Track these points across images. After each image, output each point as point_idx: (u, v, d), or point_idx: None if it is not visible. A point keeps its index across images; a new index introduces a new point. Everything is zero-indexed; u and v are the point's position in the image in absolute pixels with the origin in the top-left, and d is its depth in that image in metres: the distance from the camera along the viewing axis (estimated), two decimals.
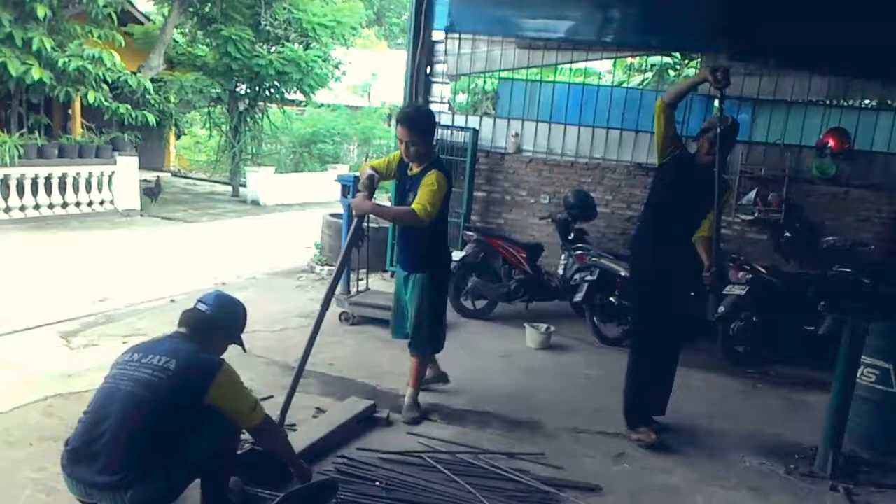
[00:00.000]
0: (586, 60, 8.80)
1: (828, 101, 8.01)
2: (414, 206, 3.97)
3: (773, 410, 5.30)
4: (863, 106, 8.11)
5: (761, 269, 6.41)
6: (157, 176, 15.27)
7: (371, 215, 4.37)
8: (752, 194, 7.66)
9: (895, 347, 4.48)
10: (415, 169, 4.22)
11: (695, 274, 4.35)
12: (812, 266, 6.88)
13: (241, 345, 3.17)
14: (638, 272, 4.54)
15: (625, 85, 11.62)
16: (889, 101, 8.38)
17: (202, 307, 3.00)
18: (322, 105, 20.54)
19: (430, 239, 4.26)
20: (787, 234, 7.39)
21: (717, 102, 7.91)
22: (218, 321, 3.03)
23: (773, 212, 7.59)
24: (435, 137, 4.25)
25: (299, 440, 3.71)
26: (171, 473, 2.67)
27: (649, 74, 13.31)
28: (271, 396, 4.48)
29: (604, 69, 12.43)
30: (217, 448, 2.81)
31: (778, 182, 7.69)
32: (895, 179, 7.64)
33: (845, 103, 8.10)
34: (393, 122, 9.57)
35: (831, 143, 7.51)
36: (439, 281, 4.41)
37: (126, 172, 12.69)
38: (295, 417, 4.05)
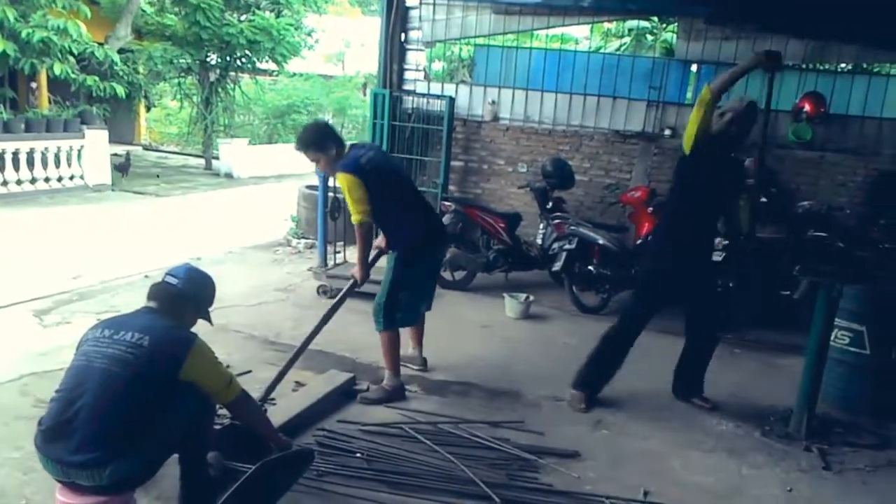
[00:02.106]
0: (563, 26, 8.69)
1: (804, 66, 8.01)
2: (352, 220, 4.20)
3: (749, 374, 5.38)
4: (838, 70, 8.12)
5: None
6: (128, 150, 14.99)
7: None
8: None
9: (868, 310, 4.55)
10: None
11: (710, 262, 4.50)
12: (788, 231, 6.93)
13: (209, 319, 3.14)
14: (660, 266, 4.44)
15: (602, 50, 11.60)
16: (864, 65, 8.42)
17: (173, 281, 2.95)
18: (295, 75, 20.23)
19: (383, 222, 4.34)
20: (763, 199, 7.42)
21: (693, 67, 7.90)
22: (190, 295, 3.00)
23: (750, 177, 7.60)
24: (337, 143, 4.26)
25: (279, 414, 3.70)
26: (149, 449, 2.65)
27: (627, 39, 13.27)
28: (249, 371, 4.46)
29: (580, 35, 12.34)
30: (193, 422, 2.79)
31: (754, 147, 7.69)
32: (870, 143, 7.70)
33: (821, 67, 8.11)
34: (369, 91, 9.44)
35: (807, 107, 7.52)
36: (404, 260, 4.33)
37: (95, 146, 12.41)
38: (275, 392, 4.03)
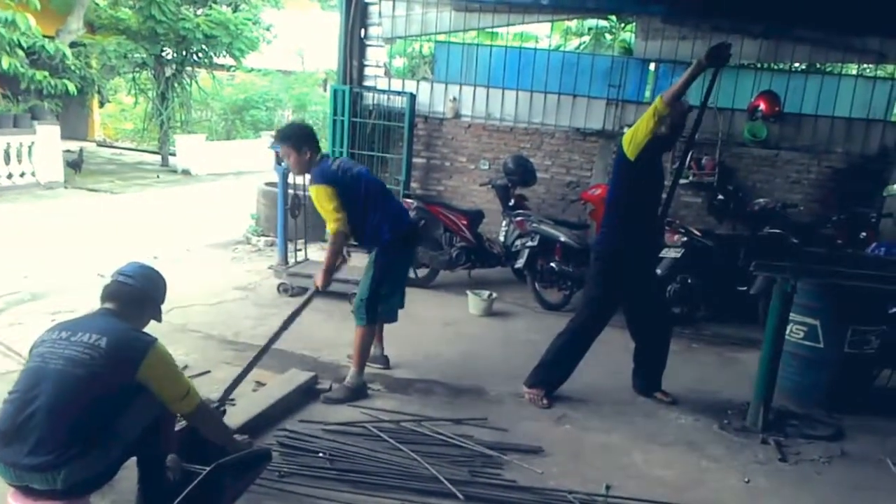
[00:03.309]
0: (523, 23, 8.71)
1: (759, 65, 8.17)
2: (327, 229, 4.24)
3: (707, 369, 5.47)
4: (792, 69, 8.30)
5: (696, 232, 6.55)
6: (81, 146, 14.62)
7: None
8: (686, 158, 7.79)
9: (822, 305, 4.66)
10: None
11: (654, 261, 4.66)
12: (744, 228, 7.07)
13: (160, 317, 3.08)
14: (609, 267, 4.47)
15: (562, 49, 11.67)
16: (817, 65, 8.62)
17: (128, 281, 2.88)
18: (253, 70, 19.96)
19: (361, 224, 4.33)
20: (720, 196, 7.57)
21: (651, 66, 7.99)
22: (147, 293, 2.93)
23: (707, 175, 7.74)
24: (313, 148, 4.30)
25: (239, 414, 3.64)
26: (105, 452, 2.59)
27: (586, 38, 13.38)
28: (208, 371, 4.39)
29: (541, 33, 12.40)
30: (150, 424, 2.72)
31: (711, 145, 7.84)
32: (823, 141, 7.90)
33: (775, 67, 8.28)
34: (328, 87, 9.35)
35: (762, 106, 7.67)
36: (386, 255, 4.37)
37: (47, 143, 12.04)
38: (234, 392, 3.95)
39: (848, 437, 4.32)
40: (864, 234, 6.73)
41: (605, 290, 4.51)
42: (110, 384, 2.58)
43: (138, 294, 2.89)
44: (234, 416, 3.57)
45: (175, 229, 9.23)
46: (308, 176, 4.34)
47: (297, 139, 4.28)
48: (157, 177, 14.64)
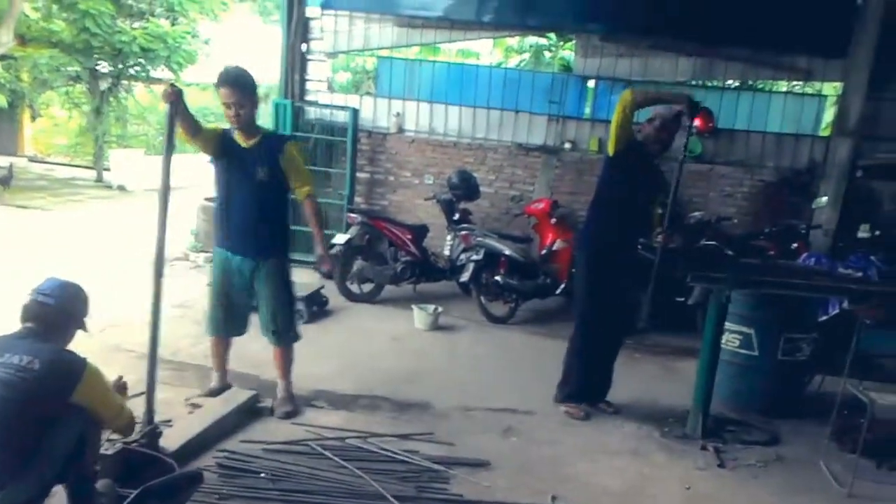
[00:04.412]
0: (464, 40, 8.81)
1: (693, 82, 8.42)
2: (305, 193, 4.04)
3: (649, 378, 5.57)
4: (725, 87, 8.58)
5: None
6: (10, 162, 14.07)
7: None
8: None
9: (756, 314, 4.80)
10: (248, 141, 3.94)
11: (634, 261, 4.66)
12: (681, 241, 7.23)
13: (85, 327, 2.99)
14: (592, 259, 4.53)
15: (503, 66, 11.83)
16: (749, 82, 8.93)
17: (48, 301, 2.77)
18: (192, 84, 19.61)
19: (284, 217, 4.13)
20: (659, 210, 7.71)
21: (590, 83, 8.09)
22: (68, 311, 2.85)
23: None
24: (258, 99, 3.95)
25: (176, 437, 3.53)
26: (40, 472, 2.53)
27: (526, 56, 13.60)
28: (143, 393, 4.22)
29: (483, 50, 12.56)
30: (77, 441, 2.64)
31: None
32: (755, 156, 8.19)
33: (709, 84, 8.55)
34: (270, 101, 9.21)
35: (697, 122, 7.87)
36: (288, 262, 4.25)
37: None
38: (171, 413, 3.86)
39: (783, 441, 4.45)
40: (795, 245, 6.96)
41: (589, 285, 4.55)
42: (44, 406, 2.54)
43: (59, 313, 2.80)
44: (171, 438, 3.46)
45: (110, 246, 8.94)
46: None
47: (255, 90, 3.85)
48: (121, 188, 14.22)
